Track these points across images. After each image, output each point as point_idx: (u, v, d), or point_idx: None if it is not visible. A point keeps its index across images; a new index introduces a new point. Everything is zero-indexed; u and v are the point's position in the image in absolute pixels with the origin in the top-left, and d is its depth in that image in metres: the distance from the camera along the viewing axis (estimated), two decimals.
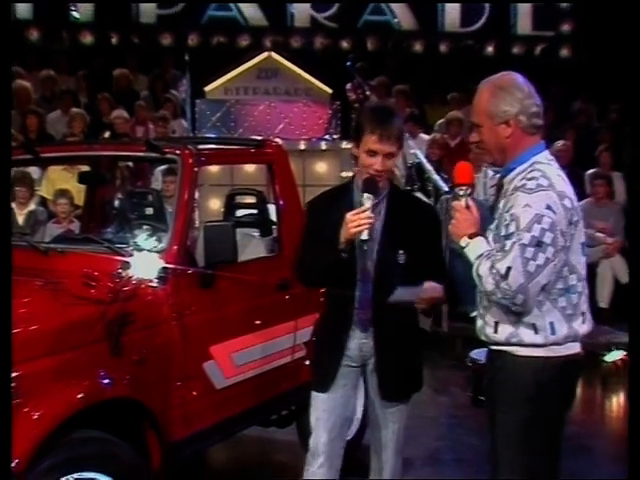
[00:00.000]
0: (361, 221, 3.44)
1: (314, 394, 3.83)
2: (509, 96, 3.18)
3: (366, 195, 3.53)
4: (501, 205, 3.23)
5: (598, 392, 7.94)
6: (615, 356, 8.28)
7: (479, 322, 3.37)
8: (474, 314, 8.59)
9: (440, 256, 3.94)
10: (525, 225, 3.00)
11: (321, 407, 3.80)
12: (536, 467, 3.19)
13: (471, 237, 3.20)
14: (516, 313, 3.10)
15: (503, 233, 3.11)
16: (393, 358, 3.74)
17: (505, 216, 3.12)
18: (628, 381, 3.55)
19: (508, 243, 3.04)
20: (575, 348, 3.21)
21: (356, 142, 3.74)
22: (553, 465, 3.27)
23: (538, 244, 2.99)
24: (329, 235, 3.58)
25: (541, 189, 3.06)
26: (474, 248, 3.18)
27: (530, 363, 3.14)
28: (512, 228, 3.05)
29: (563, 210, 3.07)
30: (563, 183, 3.15)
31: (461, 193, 3.29)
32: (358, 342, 3.74)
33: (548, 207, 3.02)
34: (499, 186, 3.56)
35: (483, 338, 3.33)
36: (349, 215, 3.49)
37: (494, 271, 3.03)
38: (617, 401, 7.60)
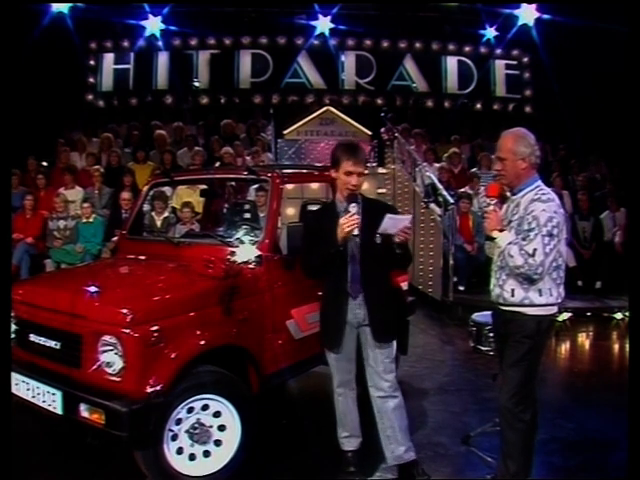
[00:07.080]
0: (351, 222, 3.43)
1: (327, 352, 3.75)
2: (525, 142, 3.34)
3: (352, 205, 3.50)
4: (521, 210, 3.29)
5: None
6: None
7: (497, 290, 3.42)
8: (462, 288, 8.41)
9: None
10: (543, 222, 3.16)
11: (334, 360, 3.74)
12: (526, 381, 3.35)
13: (500, 231, 3.31)
14: (528, 281, 3.23)
15: (526, 228, 3.21)
16: (380, 314, 3.62)
17: (527, 217, 3.22)
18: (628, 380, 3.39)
19: (531, 234, 3.18)
20: (555, 310, 3.35)
21: (335, 168, 3.64)
22: (534, 379, 3.41)
23: (550, 235, 3.16)
24: (322, 236, 3.56)
25: (550, 201, 3.23)
26: (504, 238, 3.29)
27: (534, 317, 3.28)
28: (534, 224, 3.18)
29: (561, 215, 3.25)
30: (557, 198, 3.32)
31: (491, 203, 3.40)
32: (353, 309, 3.62)
33: (555, 212, 3.21)
34: (504, 199, 3.60)
35: (501, 301, 3.41)
36: (342, 220, 3.47)
37: (523, 252, 3.17)
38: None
